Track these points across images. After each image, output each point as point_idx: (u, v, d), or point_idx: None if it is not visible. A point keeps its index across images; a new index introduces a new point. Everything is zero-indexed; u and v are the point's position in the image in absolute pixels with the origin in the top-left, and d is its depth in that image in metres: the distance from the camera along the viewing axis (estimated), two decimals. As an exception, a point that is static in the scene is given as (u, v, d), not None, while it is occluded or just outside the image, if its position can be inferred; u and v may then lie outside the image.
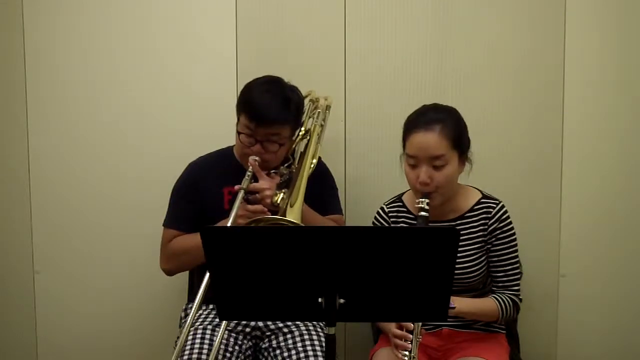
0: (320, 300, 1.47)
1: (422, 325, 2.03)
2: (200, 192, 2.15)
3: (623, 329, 2.49)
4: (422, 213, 1.89)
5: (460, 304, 1.91)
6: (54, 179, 2.59)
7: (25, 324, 2.65)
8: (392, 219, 2.11)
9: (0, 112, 2.59)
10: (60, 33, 2.54)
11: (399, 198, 2.15)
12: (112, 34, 2.53)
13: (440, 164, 1.92)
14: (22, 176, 2.60)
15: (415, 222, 1.98)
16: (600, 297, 2.48)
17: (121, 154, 2.56)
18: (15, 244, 2.63)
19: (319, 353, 1.99)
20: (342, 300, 1.47)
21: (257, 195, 1.99)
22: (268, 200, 1.96)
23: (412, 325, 1.82)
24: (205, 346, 2.00)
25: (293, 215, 1.83)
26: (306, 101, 2.24)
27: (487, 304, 1.99)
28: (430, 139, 1.92)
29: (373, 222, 2.15)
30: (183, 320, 2.22)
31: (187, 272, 2.30)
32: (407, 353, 1.80)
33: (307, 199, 1.95)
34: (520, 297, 2.03)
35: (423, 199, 1.91)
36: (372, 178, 2.50)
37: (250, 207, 1.97)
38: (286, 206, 1.86)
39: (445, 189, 1.95)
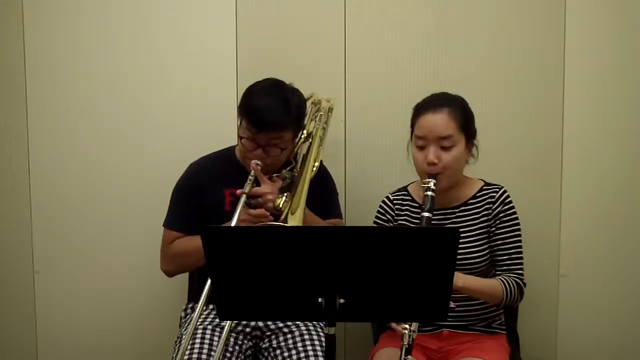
0: (320, 300, 1.47)
1: (422, 327, 2.04)
2: (201, 193, 2.14)
3: (623, 329, 2.49)
4: (429, 193, 1.91)
5: (465, 279, 1.90)
6: (54, 179, 2.59)
7: (25, 324, 2.65)
8: (396, 207, 2.13)
9: (0, 112, 2.60)
10: (60, 33, 2.54)
11: (404, 188, 2.17)
12: (112, 34, 2.52)
13: (448, 145, 1.95)
14: (22, 176, 2.60)
15: (419, 210, 1.98)
16: (600, 297, 2.48)
17: (121, 154, 2.56)
18: (15, 244, 2.63)
19: (319, 353, 1.99)
20: (342, 300, 1.47)
21: (259, 199, 1.99)
22: (270, 204, 1.97)
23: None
24: (205, 346, 2.00)
25: (295, 222, 1.85)
26: (308, 104, 2.23)
27: (492, 283, 1.97)
28: (439, 119, 1.96)
29: (378, 211, 2.16)
30: (183, 320, 2.22)
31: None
32: (406, 326, 1.79)
33: (308, 204, 1.96)
34: (525, 282, 2.01)
35: (430, 179, 1.93)
36: (372, 178, 2.50)
37: (252, 211, 1.97)
38: (287, 212, 1.87)
39: (452, 170, 1.97)
